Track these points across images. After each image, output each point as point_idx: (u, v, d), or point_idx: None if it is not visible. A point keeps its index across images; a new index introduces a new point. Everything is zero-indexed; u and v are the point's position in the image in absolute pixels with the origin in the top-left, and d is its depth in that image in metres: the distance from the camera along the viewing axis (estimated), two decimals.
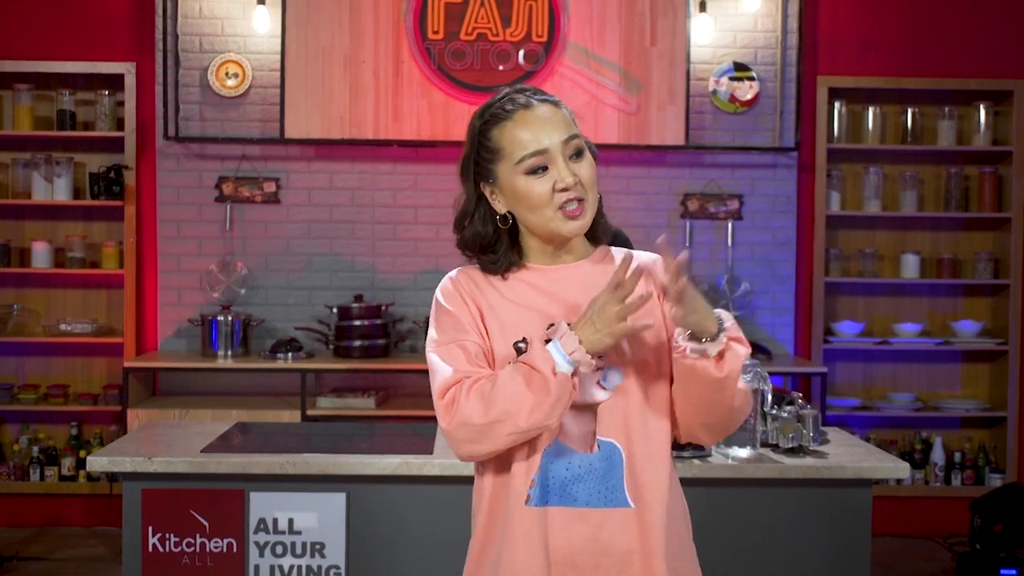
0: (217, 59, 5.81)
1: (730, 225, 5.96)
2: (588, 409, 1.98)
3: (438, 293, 2.07)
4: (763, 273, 5.98)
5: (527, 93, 2.03)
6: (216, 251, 5.88)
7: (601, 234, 2.11)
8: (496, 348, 1.99)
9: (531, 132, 1.98)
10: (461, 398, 1.91)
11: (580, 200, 1.99)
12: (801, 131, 5.92)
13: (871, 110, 5.99)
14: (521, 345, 1.97)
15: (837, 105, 5.99)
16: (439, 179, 5.86)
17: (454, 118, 5.73)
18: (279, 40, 5.75)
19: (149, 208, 5.89)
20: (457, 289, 2.05)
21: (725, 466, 3.36)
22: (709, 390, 1.93)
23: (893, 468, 3.40)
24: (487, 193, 2.05)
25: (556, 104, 2.03)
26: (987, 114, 5.99)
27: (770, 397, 3.55)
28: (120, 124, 5.85)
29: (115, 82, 5.86)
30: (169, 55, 5.79)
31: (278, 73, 5.78)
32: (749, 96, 5.92)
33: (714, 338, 1.89)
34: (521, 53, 5.74)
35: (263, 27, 5.76)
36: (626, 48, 5.81)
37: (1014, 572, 4.96)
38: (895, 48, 6.02)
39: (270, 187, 5.87)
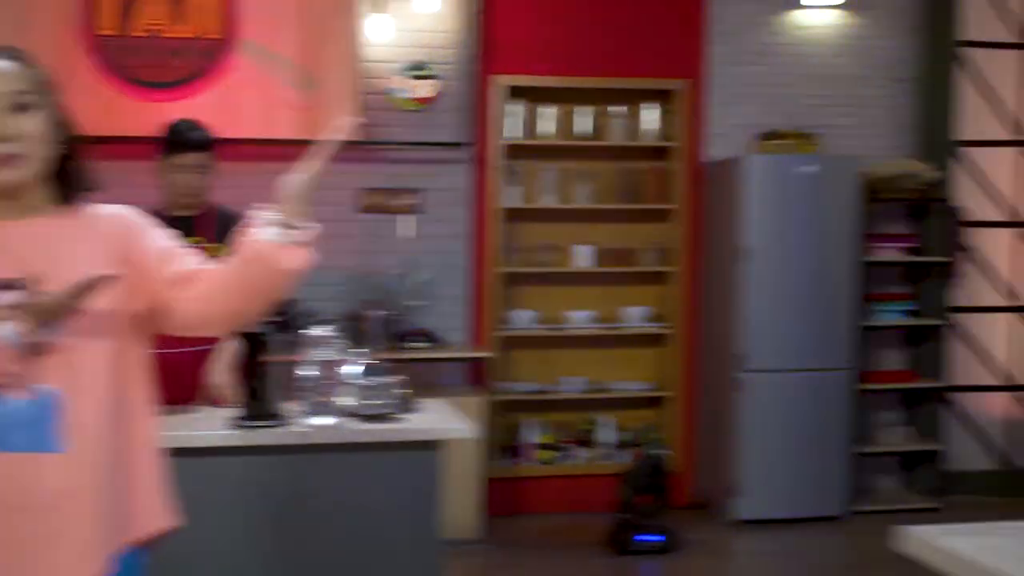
0: None
1: (408, 219, 6.14)
2: (22, 355, 2.02)
3: None
4: (440, 264, 6.18)
5: None
6: None
7: (71, 193, 2.22)
8: None
9: None
10: None
11: (11, 155, 2.07)
12: (478, 128, 6.16)
13: (547, 109, 6.27)
14: None
15: (514, 104, 6.25)
16: (112, 175, 5.81)
17: (129, 114, 5.74)
18: None
19: None
20: None
21: (299, 433, 3.49)
22: (266, 278, 2.11)
23: (457, 430, 3.61)
24: None
25: (13, 60, 2.11)
26: (654, 112, 6.36)
27: (358, 368, 3.71)
28: None
29: None
30: None
31: None
32: (428, 94, 6.13)
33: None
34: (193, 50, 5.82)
35: None
36: (301, 46, 5.93)
37: (650, 538, 5.27)
38: (570, 50, 6.32)
39: None
